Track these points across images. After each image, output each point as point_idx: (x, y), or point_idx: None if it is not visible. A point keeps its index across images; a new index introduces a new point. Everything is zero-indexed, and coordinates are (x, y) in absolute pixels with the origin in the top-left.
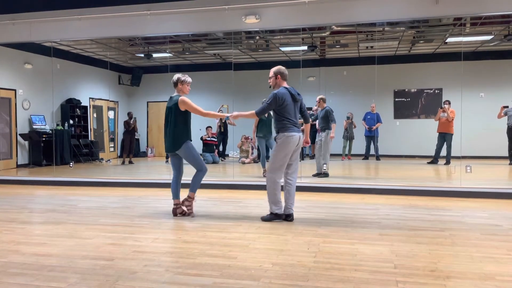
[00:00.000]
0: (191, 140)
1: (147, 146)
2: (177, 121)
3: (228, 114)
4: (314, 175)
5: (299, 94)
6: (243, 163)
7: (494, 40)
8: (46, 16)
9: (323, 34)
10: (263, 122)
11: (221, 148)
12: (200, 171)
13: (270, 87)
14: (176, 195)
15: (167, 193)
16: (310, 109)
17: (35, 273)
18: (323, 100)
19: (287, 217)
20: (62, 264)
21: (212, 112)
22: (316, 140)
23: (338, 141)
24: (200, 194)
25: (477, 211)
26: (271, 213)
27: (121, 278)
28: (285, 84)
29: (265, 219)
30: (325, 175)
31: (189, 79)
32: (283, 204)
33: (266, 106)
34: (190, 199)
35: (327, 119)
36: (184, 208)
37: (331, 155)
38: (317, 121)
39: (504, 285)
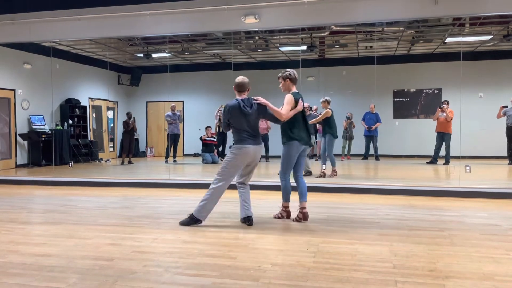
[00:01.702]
0: (298, 140)
1: (147, 146)
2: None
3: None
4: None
5: (252, 105)
6: None
7: (493, 40)
8: (45, 16)
9: (323, 34)
10: (332, 121)
11: (220, 148)
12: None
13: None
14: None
15: (167, 193)
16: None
17: (35, 273)
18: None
19: (246, 221)
20: (62, 264)
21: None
22: (316, 140)
23: (337, 141)
24: (199, 193)
25: (476, 211)
26: (192, 217)
27: (120, 278)
28: (238, 96)
29: (183, 223)
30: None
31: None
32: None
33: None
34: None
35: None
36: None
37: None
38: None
39: (503, 285)
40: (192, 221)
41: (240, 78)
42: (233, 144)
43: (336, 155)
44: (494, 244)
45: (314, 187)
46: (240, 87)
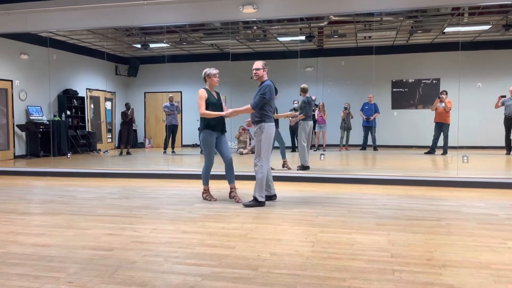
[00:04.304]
0: (214, 130)
1: (145, 137)
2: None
3: (224, 113)
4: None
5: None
6: (241, 153)
7: (492, 30)
8: (42, 6)
9: (321, 24)
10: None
11: None
12: (204, 163)
13: (251, 78)
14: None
15: (165, 183)
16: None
17: (34, 263)
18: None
19: (273, 198)
20: (61, 254)
21: (210, 112)
22: (315, 131)
23: (336, 132)
24: (198, 184)
25: (474, 201)
26: (255, 200)
27: (120, 268)
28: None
29: (247, 205)
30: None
31: (214, 71)
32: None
33: (261, 99)
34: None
35: (304, 108)
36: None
37: (329, 145)
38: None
39: (499, 273)
40: (255, 203)
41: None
42: (256, 123)
43: (334, 145)
44: (491, 233)
45: (312, 177)
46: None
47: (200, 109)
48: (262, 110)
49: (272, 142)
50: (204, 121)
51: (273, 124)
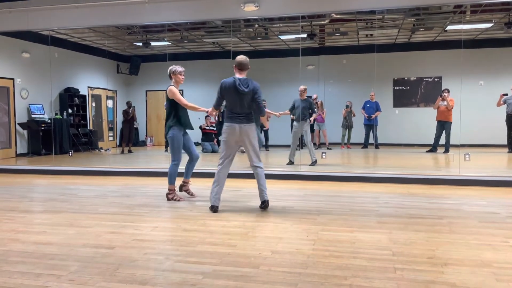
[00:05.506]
0: (184, 127)
1: (146, 135)
2: (169, 109)
3: (206, 109)
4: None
5: (249, 86)
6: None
7: (494, 28)
8: (43, 4)
9: (323, 22)
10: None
11: (220, 137)
12: (173, 161)
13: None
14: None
15: (166, 181)
16: (310, 97)
17: (36, 261)
18: (306, 91)
19: (261, 204)
20: (63, 252)
21: (194, 105)
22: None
23: (337, 130)
24: (199, 182)
25: (476, 199)
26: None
27: (121, 266)
28: (238, 75)
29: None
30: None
31: (180, 69)
32: (217, 196)
33: (216, 97)
34: (170, 190)
35: (310, 109)
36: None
37: (330, 143)
38: (297, 110)
39: (501, 272)
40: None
41: (242, 57)
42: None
43: (336, 143)
44: (492, 232)
45: (313, 175)
46: (241, 66)
47: (182, 101)
48: (226, 110)
49: (226, 143)
50: (175, 118)
51: (229, 124)
